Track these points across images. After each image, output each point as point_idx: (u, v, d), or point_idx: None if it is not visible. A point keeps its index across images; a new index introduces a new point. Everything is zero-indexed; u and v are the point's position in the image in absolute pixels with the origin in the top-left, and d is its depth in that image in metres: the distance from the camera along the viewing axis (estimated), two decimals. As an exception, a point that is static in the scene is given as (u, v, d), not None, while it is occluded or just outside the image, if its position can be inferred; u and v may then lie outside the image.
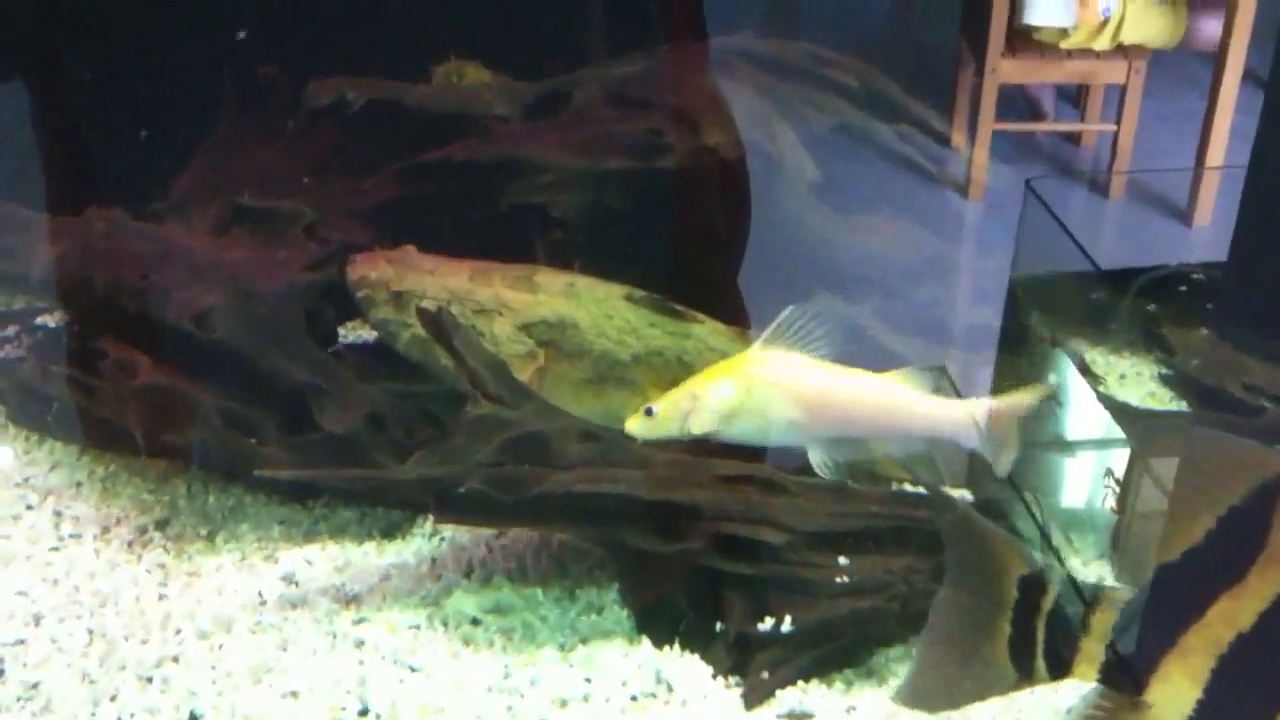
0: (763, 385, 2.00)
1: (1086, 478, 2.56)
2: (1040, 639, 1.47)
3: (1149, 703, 1.34)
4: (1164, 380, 2.39)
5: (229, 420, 2.18)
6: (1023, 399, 2.12)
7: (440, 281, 2.29)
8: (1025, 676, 1.47)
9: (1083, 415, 2.50)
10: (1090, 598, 1.55)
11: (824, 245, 2.60)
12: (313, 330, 2.25)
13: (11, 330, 2.62)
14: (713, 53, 2.51)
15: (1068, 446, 2.63)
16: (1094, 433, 2.50)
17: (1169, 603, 1.36)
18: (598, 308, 2.28)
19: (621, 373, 2.26)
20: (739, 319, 2.42)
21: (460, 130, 2.61)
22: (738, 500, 1.98)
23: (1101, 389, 2.35)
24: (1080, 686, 1.51)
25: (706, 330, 2.29)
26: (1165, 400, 2.36)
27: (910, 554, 1.96)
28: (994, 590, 1.51)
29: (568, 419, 2.06)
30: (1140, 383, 2.40)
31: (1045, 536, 2.30)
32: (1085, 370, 2.39)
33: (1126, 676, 1.38)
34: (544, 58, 2.82)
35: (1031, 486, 2.40)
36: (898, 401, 2.04)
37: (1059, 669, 1.46)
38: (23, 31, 2.85)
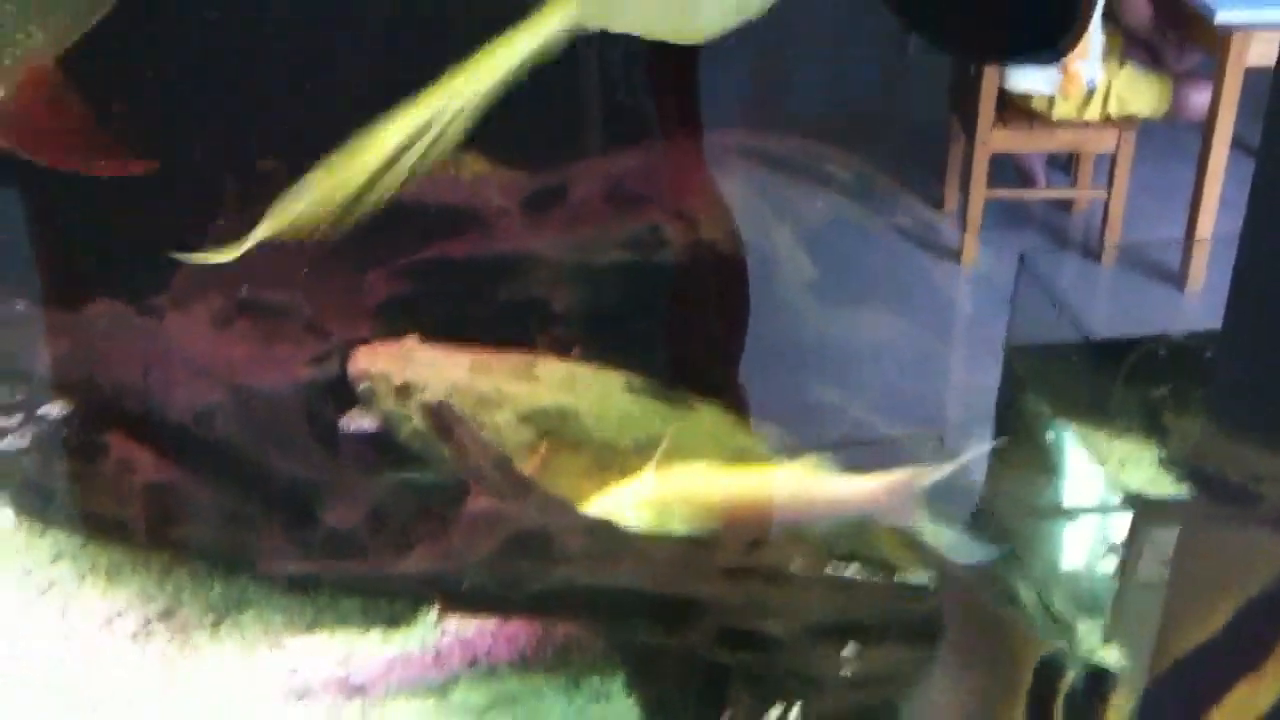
0: (665, 501, 2.06)
1: (1086, 546, 2.59)
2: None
3: None
4: (1164, 465, 2.42)
5: (232, 516, 2.19)
6: (923, 473, 2.18)
7: (441, 374, 2.32)
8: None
9: (1082, 485, 2.53)
10: (1108, 680, 1.57)
11: (818, 340, 2.64)
12: (313, 426, 2.27)
13: (15, 420, 2.63)
14: (707, 148, 2.55)
15: (1067, 515, 2.65)
16: (1093, 502, 2.54)
17: (1189, 686, 1.38)
18: (599, 397, 2.31)
19: (622, 461, 2.28)
20: (740, 410, 2.45)
21: (459, 223, 2.64)
22: (741, 592, 1.99)
23: (1107, 472, 2.38)
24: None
25: (708, 416, 2.32)
26: (1166, 485, 2.39)
27: (916, 646, 1.98)
28: (1009, 673, 1.52)
29: (570, 512, 2.08)
30: (1141, 467, 2.43)
31: (1046, 606, 2.32)
32: (1088, 455, 2.43)
33: None
34: (540, 149, 2.87)
35: (1031, 555, 2.42)
36: (802, 489, 2.12)
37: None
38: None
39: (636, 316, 2.43)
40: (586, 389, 2.31)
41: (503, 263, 2.45)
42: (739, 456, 2.36)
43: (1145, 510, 2.29)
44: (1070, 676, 1.51)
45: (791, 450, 2.38)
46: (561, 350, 2.44)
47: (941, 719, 1.57)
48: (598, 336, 2.46)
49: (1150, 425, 2.53)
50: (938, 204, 4.24)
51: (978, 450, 2.33)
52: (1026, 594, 2.34)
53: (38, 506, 2.45)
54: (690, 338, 2.44)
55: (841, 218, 2.48)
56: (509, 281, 2.45)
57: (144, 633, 2.23)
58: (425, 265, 2.49)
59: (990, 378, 2.80)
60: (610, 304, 2.44)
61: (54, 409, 2.67)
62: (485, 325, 2.46)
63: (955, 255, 3.88)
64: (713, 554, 2.04)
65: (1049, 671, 1.50)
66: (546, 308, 2.44)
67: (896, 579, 2.08)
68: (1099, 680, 1.55)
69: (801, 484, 2.14)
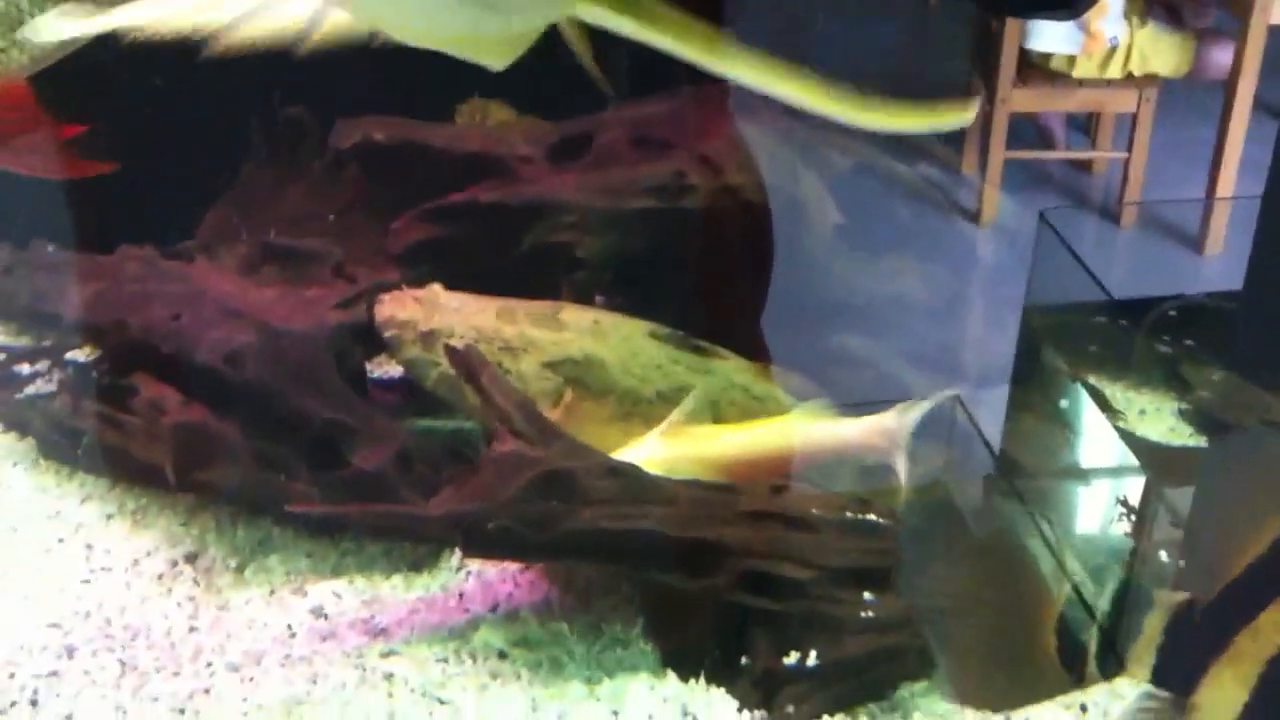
0: (671, 460, 2.11)
1: (1101, 506, 2.60)
2: (1094, 641, 1.51)
3: (1197, 704, 1.38)
4: (1183, 416, 2.42)
5: (259, 457, 2.21)
6: (907, 411, 2.21)
7: (467, 320, 2.33)
8: (1079, 679, 1.51)
9: (1097, 444, 2.54)
10: (1145, 600, 1.59)
11: (843, 286, 2.64)
12: (342, 368, 2.28)
13: (42, 365, 2.66)
14: (734, 95, 2.55)
15: (1082, 475, 2.66)
16: (1109, 461, 2.54)
17: (1224, 606, 1.40)
18: (623, 345, 2.32)
19: (646, 410, 2.29)
20: (761, 358, 2.46)
21: (484, 170, 2.65)
22: (763, 537, 2.01)
23: (1122, 424, 2.39)
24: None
25: (730, 366, 2.33)
26: (1185, 436, 2.39)
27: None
28: (1049, 593, 1.55)
29: (595, 456, 2.09)
30: (1160, 418, 2.44)
31: (1059, 562, 2.34)
32: (1106, 406, 2.43)
33: (1177, 678, 1.42)
34: (566, 97, 2.87)
35: (1046, 514, 2.43)
36: (799, 437, 2.15)
37: (1111, 670, 1.50)
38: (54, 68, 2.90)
39: (661, 264, 2.44)
40: (611, 337, 2.32)
41: (528, 209, 2.46)
42: (760, 407, 2.37)
43: (1161, 457, 2.30)
44: (1108, 595, 1.54)
45: (813, 399, 2.40)
46: (585, 297, 2.45)
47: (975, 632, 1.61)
48: (622, 283, 2.48)
49: (1169, 378, 2.54)
50: (956, 165, 4.22)
51: (949, 392, 2.34)
52: (1040, 547, 2.36)
53: (66, 450, 2.47)
54: (714, 285, 2.45)
55: (865, 167, 2.48)
56: (534, 227, 2.46)
57: (170, 574, 2.26)
58: (452, 210, 2.50)
59: (1007, 336, 2.80)
60: (635, 251, 2.45)
61: (81, 354, 2.70)
62: (510, 271, 2.48)
63: (974, 215, 3.85)
64: (735, 498, 2.05)
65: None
66: (571, 253, 2.45)
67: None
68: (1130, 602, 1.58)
69: (797, 433, 2.17)
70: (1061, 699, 1.95)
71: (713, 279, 2.47)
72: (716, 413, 2.32)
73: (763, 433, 2.22)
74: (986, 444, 2.60)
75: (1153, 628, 1.47)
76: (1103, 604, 2.08)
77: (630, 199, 2.47)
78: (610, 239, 2.46)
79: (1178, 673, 1.45)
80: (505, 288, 2.41)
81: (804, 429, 2.21)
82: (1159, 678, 1.48)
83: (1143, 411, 2.50)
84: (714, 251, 2.44)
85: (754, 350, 2.45)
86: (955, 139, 4.06)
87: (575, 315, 2.36)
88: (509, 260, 2.47)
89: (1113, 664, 1.55)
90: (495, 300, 2.38)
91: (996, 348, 2.94)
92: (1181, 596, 1.48)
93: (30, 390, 2.60)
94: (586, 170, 2.54)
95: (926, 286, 3.04)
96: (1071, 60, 3.98)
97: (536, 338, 2.32)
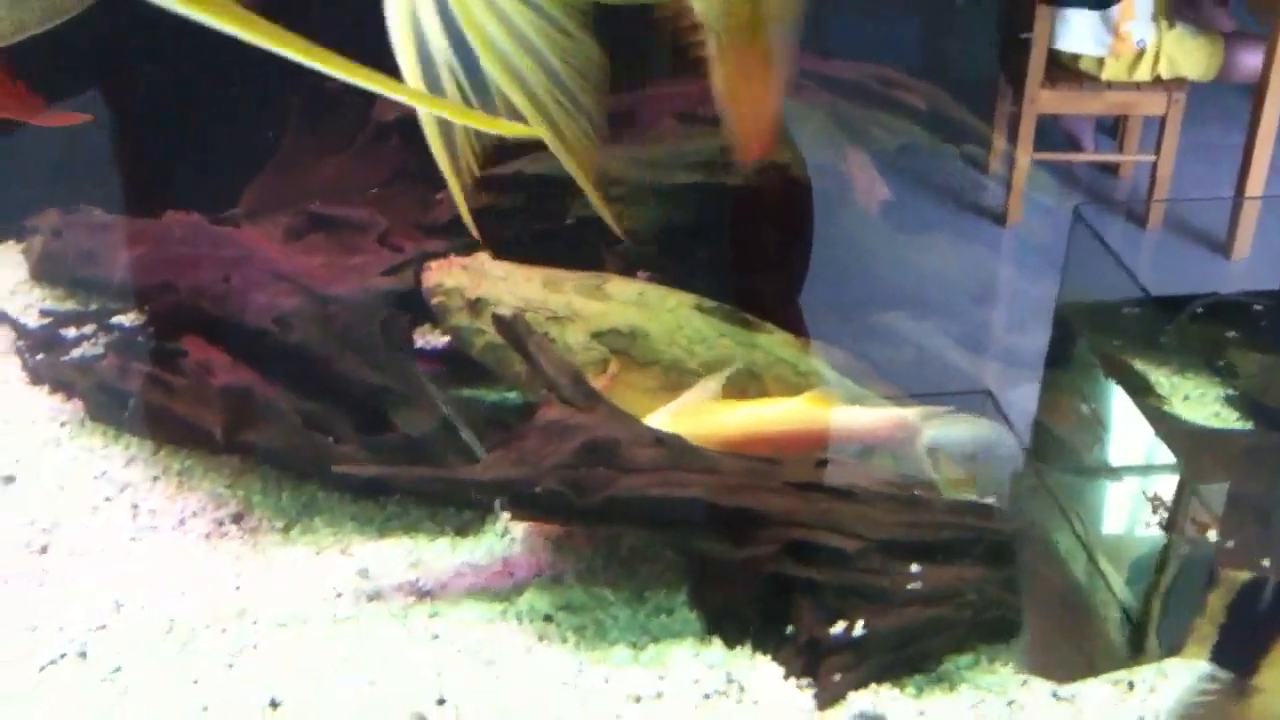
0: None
1: (1132, 502, 2.60)
2: (1155, 617, 1.50)
3: (1259, 686, 1.38)
4: (1229, 402, 2.43)
5: (306, 419, 2.23)
6: (927, 414, 2.22)
7: (514, 289, 2.34)
8: (1137, 652, 1.51)
9: (1128, 440, 2.54)
10: (1208, 578, 1.59)
11: (888, 265, 2.65)
12: (388, 335, 2.30)
13: (88, 329, 2.68)
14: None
15: (1113, 471, 2.66)
16: (1140, 458, 2.54)
17: None
18: (668, 316, 2.33)
19: (691, 382, 2.30)
20: (799, 334, 2.47)
21: (528, 146, 2.66)
22: (809, 507, 2.01)
23: (1166, 409, 2.39)
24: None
25: (775, 341, 2.34)
26: (1231, 422, 2.39)
27: (982, 564, 2.00)
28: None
29: (640, 424, 2.10)
30: (1205, 404, 2.44)
31: (1090, 558, 2.34)
32: (1149, 391, 2.43)
33: (1238, 658, 1.42)
34: (611, 74, 2.87)
35: (1076, 509, 2.43)
36: (814, 420, 2.16)
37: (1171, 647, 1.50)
38: (99, 37, 2.92)
39: (705, 237, 2.45)
40: (656, 309, 2.33)
41: (574, 180, 2.47)
42: (804, 382, 2.38)
43: (1207, 440, 2.29)
44: (1172, 571, 1.53)
45: (854, 377, 2.41)
46: (630, 269, 2.47)
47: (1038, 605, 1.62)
48: (666, 256, 2.49)
49: (1214, 364, 2.54)
50: (982, 166, 4.21)
51: (975, 412, 2.35)
52: (1070, 544, 2.35)
53: (112, 411, 2.49)
54: (757, 260, 2.46)
55: (910, 148, 2.48)
56: (580, 199, 2.47)
57: (217, 534, 2.27)
58: (498, 181, 2.51)
59: (1034, 337, 2.80)
60: (679, 224, 2.46)
61: (126, 318, 2.72)
62: (556, 242, 2.49)
63: (999, 217, 3.86)
64: (779, 468, 2.06)
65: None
66: (618, 224, 2.46)
67: (963, 498, 2.10)
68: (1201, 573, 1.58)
69: (813, 415, 2.17)
70: (1108, 676, 1.96)
71: (755, 254, 2.48)
72: (761, 387, 2.33)
73: (776, 412, 2.22)
74: (1018, 438, 2.60)
75: (1216, 606, 1.47)
76: (1136, 591, 2.08)
77: (676, 173, 2.48)
78: (655, 212, 2.47)
79: (1239, 652, 1.44)
80: (550, 259, 2.42)
81: (820, 412, 2.21)
82: (1219, 656, 1.47)
83: (1187, 397, 2.50)
84: (757, 226, 2.45)
85: (792, 325, 2.46)
86: (982, 140, 4.04)
87: (621, 286, 2.37)
88: (554, 231, 2.48)
89: (1168, 643, 1.55)
90: (541, 270, 2.39)
91: (1024, 350, 2.94)
92: (1247, 575, 1.48)
93: (77, 353, 2.62)
94: (631, 144, 2.56)
95: (952, 291, 3.03)
96: (1100, 62, 3.97)
97: (582, 308, 2.33)
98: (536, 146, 2.62)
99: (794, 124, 2.44)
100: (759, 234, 2.48)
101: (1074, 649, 1.61)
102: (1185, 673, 1.62)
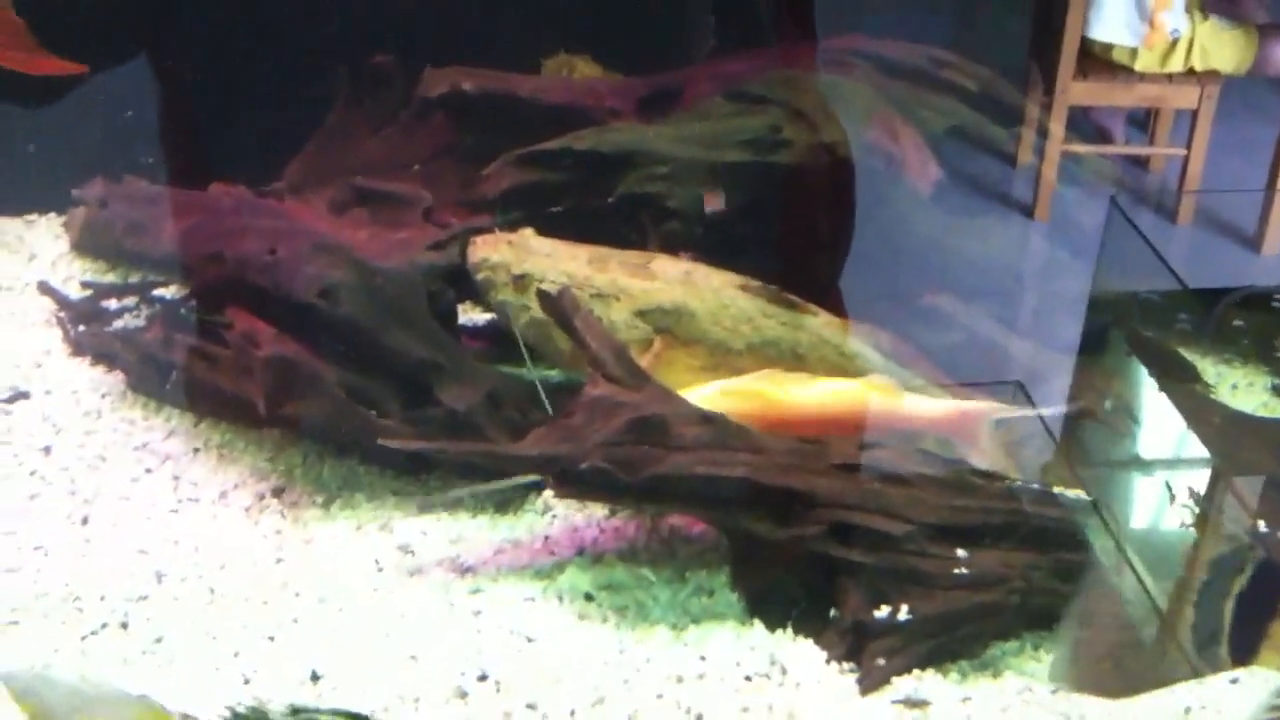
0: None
1: (1163, 496, 2.56)
2: (1228, 623, 1.45)
3: None
4: (1277, 391, 2.39)
5: (350, 392, 2.21)
6: (996, 409, 2.22)
7: (559, 266, 2.33)
8: (1207, 663, 1.46)
9: (1159, 432, 2.50)
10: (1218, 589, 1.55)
11: (936, 246, 2.62)
12: (434, 309, 2.29)
13: (130, 301, 2.68)
14: (829, 52, 2.53)
15: (1144, 464, 2.63)
16: (1171, 451, 2.51)
17: None
18: (713, 296, 2.31)
19: (735, 362, 2.28)
20: (841, 314, 2.44)
21: (573, 122, 2.65)
22: (855, 489, 1.99)
23: (1213, 397, 2.36)
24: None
25: (820, 323, 2.32)
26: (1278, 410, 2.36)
27: (1029, 549, 1.97)
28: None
29: (686, 403, 2.08)
30: (1253, 393, 2.40)
31: (1122, 552, 2.31)
32: (1196, 379, 2.40)
33: None
34: (653, 55, 2.86)
35: (1107, 503, 2.40)
36: (876, 405, 2.14)
37: (1243, 656, 1.44)
38: (147, 9, 2.92)
39: (752, 217, 2.43)
40: (702, 288, 2.31)
41: (622, 158, 2.45)
42: (849, 364, 2.36)
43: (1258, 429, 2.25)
44: (1247, 574, 1.49)
45: (899, 360, 2.39)
46: (676, 247, 2.45)
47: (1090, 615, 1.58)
48: (712, 235, 2.47)
49: (1262, 353, 2.50)
50: (1011, 159, 4.16)
51: (1057, 407, 2.31)
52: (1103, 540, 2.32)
53: (154, 384, 2.49)
54: (803, 240, 2.43)
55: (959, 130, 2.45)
56: (627, 177, 2.46)
57: (257, 507, 2.27)
58: (545, 157, 2.50)
59: (1065, 329, 2.77)
60: (727, 203, 2.44)
61: (170, 290, 2.72)
62: (602, 220, 2.47)
63: (1028, 210, 3.81)
64: (826, 450, 2.04)
65: (1226, 567, 1.48)
66: (663, 204, 2.45)
67: (1010, 484, 2.08)
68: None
69: (875, 401, 2.15)
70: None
71: (802, 234, 2.46)
72: (805, 369, 2.31)
73: (833, 393, 2.19)
74: (1048, 430, 2.57)
75: None
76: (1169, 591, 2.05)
77: (724, 151, 2.46)
78: (702, 191, 2.45)
79: None
80: (596, 236, 2.40)
81: (880, 397, 2.19)
82: None
83: (1235, 386, 2.47)
84: (805, 207, 2.43)
85: (834, 307, 2.44)
86: (1002, 148, 4.00)
87: (666, 265, 2.36)
88: (601, 209, 2.47)
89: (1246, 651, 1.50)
90: (587, 247, 2.38)
91: (1055, 342, 2.90)
92: None
93: (119, 325, 2.62)
94: (679, 123, 2.54)
95: (981, 283, 2.99)
96: (1133, 53, 3.92)
97: (628, 286, 2.31)
98: (578, 125, 2.62)
99: (844, 103, 2.41)
100: (805, 213, 2.45)
101: (1115, 662, 1.57)
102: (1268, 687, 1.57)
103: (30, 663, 1.84)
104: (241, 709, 1.14)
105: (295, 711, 1.12)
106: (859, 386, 2.19)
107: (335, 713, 1.12)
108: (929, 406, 2.20)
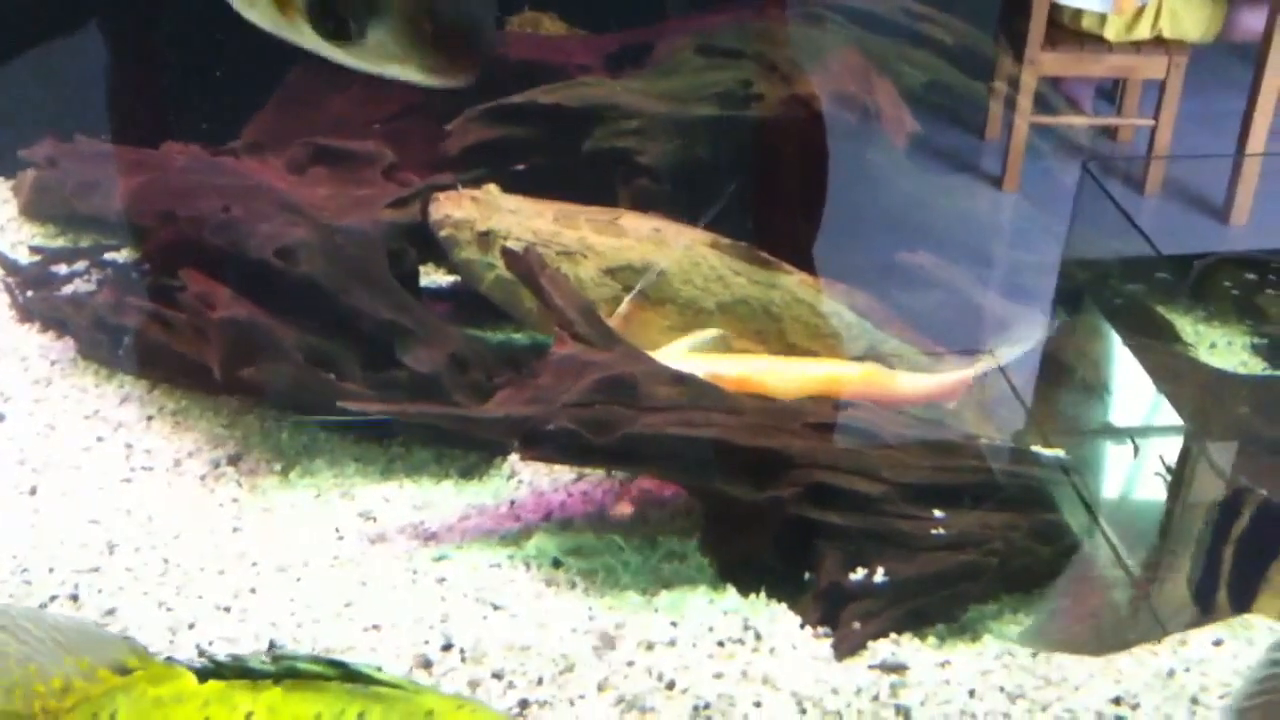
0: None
1: (1136, 464, 2.52)
2: (1227, 569, 1.40)
3: None
4: (1255, 350, 2.35)
5: (310, 355, 2.14)
6: (971, 369, 2.20)
7: (525, 223, 2.26)
8: (1206, 612, 1.40)
9: (1132, 401, 2.46)
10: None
11: (913, 202, 2.56)
12: (395, 269, 2.21)
13: (81, 266, 2.60)
14: (802, 5, 2.47)
15: (1116, 433, 2.58)
16: (1145, 419, 2.47)
17: None
18: (684, 254, 2.25)
19: (706, 321, 2.22)
20: (814, 274, 2.38)
21: (539, 80, 2.58)
22: (831, 449, 1.94)
23: (1191, 355, 2.31)
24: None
25: (794, 281, 2.26)
26: (1258, 368, 2.31)
27: (1008, 510, 1.92)
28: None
29: (656, 363, 2.02)
30: (1232, 351, 2.36)
31: (1095, 520, 2.26)
32: (1175, 338, 2.35)
33: None
34: (622, 11, 2.79)
35: (1081, 472, 2.36)
36: (862, 385, 2.10)
37: (1242, 603, 1.39)
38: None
39: (723, 173, 2.36)
40: (672, 245, 2.25)
41: (589, 112, 2.38)
42: (823, 323, 2.30)
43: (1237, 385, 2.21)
44: (1248, 516, 1.44)
45: (874, 321, 2.33)
46: (645, 204, 2.38)
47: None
48: (683, 192, 2.40)
49: (1243, 308, 2.46)
50: (979, 130, 4.12)
51: (1022, 348, 2.27)
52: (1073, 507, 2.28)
53: (106, 350, 2.40)
54: (776, 197, 2.37)
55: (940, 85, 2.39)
56: (595, 132, 2.39)
57: (213, 475, 2.20)
58: (510, 112, 2.42)
59: (1036, 298, 2.72)
60: (697, 159, 2.37)
61: (122, 254, 2.63)
62: (569, 176, 2.40)
63: (996, 181, 3.77)
64: (803, 410, 1.98)
65: (1229, 511, 1.43)
66: (632, 159, 2.37)
67: (988, 443, 2.03)
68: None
69: (877, 383, 2.12)
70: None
71: (775, 191, 2.39)
72: (779, 328, 2.25)
73: (839, 375, 2.15)
74: (1020, 399, 2.52)
75: None
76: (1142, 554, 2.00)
77: (694, 106, 2.39)
78: (673, 146, 2.38)
79: None
80: (563, 193, 2.33)
81: (884, 380, 2.15)
82: None
83: (1213, 345, 2.43)
84: (778, 162, 2.37)
85: (809, 266, 2.38)
86: (980, 104, 3.94)
87: (635, 222, 2.29)
88: (567, 165, 2.40)
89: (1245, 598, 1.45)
90: (554, 204, 2.31)
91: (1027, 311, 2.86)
92: None
93: (69, 290, 2.54)
94: (648, 78, 2.47)
95: (949, 254, 2.94)
96: (1103, 19, 3.87)
97: (596, 243, 2.25)
98: (546, 81, 2.55)
99: (818, 57, 2.35)
100: (781, 170, 2.39)
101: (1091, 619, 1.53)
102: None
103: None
104: (221, 656, 1.14)
105: (275, 657, 1.11)
106: (862, 370, 2.15)
107: (314, 658, 1.10)
108: (927, 383, 2.17)
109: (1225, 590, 1.40)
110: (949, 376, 2.19)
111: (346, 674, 1.09)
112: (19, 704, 1.20)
